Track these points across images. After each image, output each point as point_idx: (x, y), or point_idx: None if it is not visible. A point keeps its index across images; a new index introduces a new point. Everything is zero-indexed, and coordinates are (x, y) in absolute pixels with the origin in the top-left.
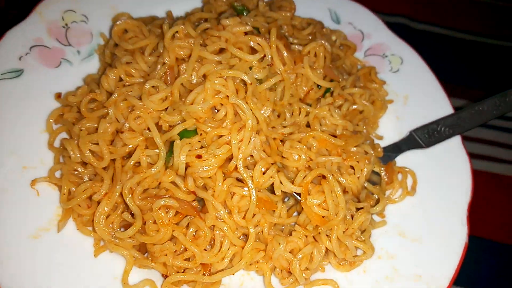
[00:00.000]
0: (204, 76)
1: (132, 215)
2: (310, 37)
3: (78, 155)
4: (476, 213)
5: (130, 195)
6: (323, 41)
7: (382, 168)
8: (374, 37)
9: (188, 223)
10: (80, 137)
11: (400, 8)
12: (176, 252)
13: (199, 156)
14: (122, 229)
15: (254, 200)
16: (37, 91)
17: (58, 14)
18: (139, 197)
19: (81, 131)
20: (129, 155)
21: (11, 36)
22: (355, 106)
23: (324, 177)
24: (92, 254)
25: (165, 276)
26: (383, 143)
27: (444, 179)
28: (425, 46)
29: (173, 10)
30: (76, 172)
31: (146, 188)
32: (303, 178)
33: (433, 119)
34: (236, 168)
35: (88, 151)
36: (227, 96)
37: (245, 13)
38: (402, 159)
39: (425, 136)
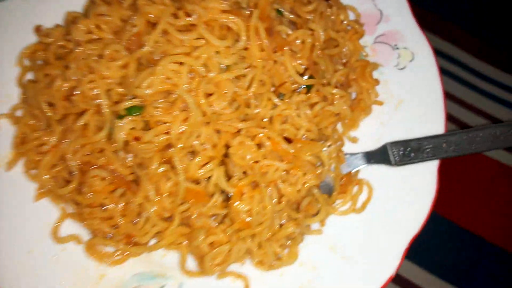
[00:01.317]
0: (164, 54)
1: None
2: (311, 16)
3: (36, 101)
4: None
5: (71, 155)
6: (314, 31)
7: (335, 176)
8: (392, 22)
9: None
10: (36, 90)
11: None
12: (105, 217)
13: (137, 138)
14: None
15: (182, 190)
16: (18, 21)
17: None
18: (81, 158)
19: (36, 84)
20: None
21: None
22: (330, 108)
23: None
24: (33, 198)
25: (93, 235)
26: (357, 147)
27: (399, 205)
28: None
29: None
30: (35, 115)
31: (90, 151)
32: (238, 180)
33: (420, 135)
34: None
35: (43, 101)
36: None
37: None
38: (371, 169)
39: (400, 154)
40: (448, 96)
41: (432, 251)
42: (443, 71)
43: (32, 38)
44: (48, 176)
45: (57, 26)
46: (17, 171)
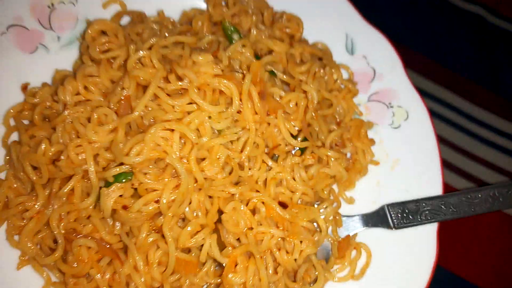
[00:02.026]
0: (155, 120)
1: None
2: (304, 77)
3: (20, 164)
4: None
5: (56, 223)
6: (308, 92)
7: (333, 240)
8: (386, 80)
9: (109, 261)
10: (21, 153)
11: None
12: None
13: (125, 207)
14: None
15: (172, 260)
16: (5, 77)
17: None
18: (66, 225)
19: (22, 147)
20: (70, 177)
21: None
22: (326, 170)
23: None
24: (16, 266)
25: None
26: (354, 208)
27: (399, 269)
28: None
29: (167, 9)
30: (19, 178)
31: (75, 218)
32: (232, 250)
33: (417, 194)
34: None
35: (28, 165)
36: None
37: (234, 37)
38: (369, 232)
39: (398, 216)
40: (450, 144)
41: None
42: (445, 120)
43: (19, 96)
44: (31, 243)
45: (44, 84)
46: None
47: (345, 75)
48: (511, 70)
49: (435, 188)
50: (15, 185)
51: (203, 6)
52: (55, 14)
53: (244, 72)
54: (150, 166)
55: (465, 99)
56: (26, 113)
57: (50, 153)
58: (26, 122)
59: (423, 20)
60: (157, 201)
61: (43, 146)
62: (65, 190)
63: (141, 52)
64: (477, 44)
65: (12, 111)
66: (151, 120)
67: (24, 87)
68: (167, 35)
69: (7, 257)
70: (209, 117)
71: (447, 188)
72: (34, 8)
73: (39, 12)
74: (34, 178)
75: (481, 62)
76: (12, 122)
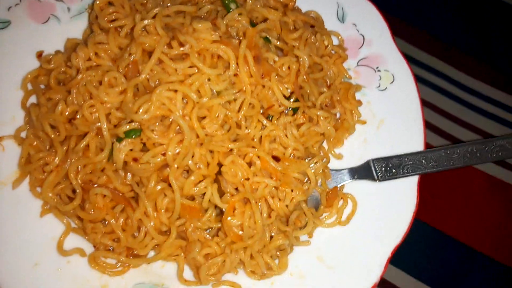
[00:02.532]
0: (159, 81)
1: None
2: (296, 43)
3: (40, 124)
4: None
5: (74, 175)
6: (299, 57)
7: (322, 191)
8: (374, 46)
9: (122, 208)
10: (40, 114)
11: None
12: (106, 232)
13: (135, 159)
14: None
15: (178, 206)
16: (21, 46)
17: None
18: (83, 177)
19: (41, 108)
20: (84, 135)
21: None
22: (316, 128)
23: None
24: (39, 214)
25: (95, 248)
26: (342, 163)
27: (382, 217)
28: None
29: None
30: (38, 137)
31: (91, 171)
32: (230, 196)
33: (400, 151)
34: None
35: (47, 124)
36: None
37: (232, 6)
38: (355, 184)
39: (382, 169)
40: (435, 108)
41: (419, 258)
42: (435, 87)
43: (34, 63)
44: (51, 194)
45: (57, 52)
46: (23, 189)
47: (335, 41)
48: (501, 40)
49: (417, 146)
50: (35, 143)
51: None
52: None
53: (241, 38)
54: (157, 124)
55: (449, 64)
56: (42, 78)
57: (67, 113)
58: (42, 86)
59: None
60: (163, 154)
61: (60, 107)
62: (81, 146)
63: (146, 21)
64: (467, 13)
65: (29, 76)
66: (156, 82)
67: (39, 55)
68: (169, 5)
69: (31, 207)
70: (209, 80)
71: (428, 146)
72: None
73: None
74: (53, 136)
75: (471, 31)
76: (29, 87)
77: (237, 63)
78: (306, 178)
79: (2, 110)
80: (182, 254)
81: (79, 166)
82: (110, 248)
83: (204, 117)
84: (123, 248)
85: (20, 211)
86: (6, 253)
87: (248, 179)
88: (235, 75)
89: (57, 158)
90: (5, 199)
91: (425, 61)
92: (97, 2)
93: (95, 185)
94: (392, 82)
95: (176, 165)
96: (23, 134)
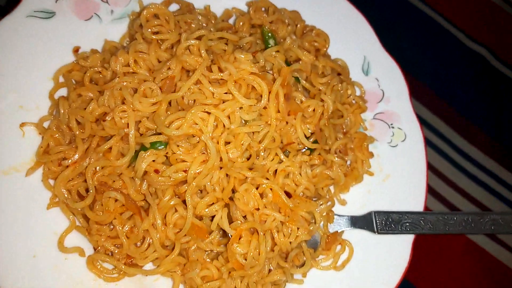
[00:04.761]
0: (195, 101)
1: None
2: (323, 87)
3: (67, 117)
4: None
5: (91, 174)
6: (325, 102)
7: (323, 233)
8: (392, 104)
9: (130, 216)
10: (71, 108)
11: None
12: (111, 236)
13: (157, 171)
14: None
15: (188, 224)
16: (59, 38)
17: None
18: (99, 178)
19: (73, 103)
20: (108, 137)
21: None
22: (328, 172)
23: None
24: (46, 206)
25: (95, 250)
26: (344, 209)
27: (374, 270)
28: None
29: (213, 5)
30: (61, 130)
31: (108, 173)
32: (240, 224)
33: (400, 208)
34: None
35: (74, 120)
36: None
37: (270, 42)
38: (354, 232)
39: (382, 223)
40: (438, 173)
41: None
42: (442, 153)
43: (68, 57)
44: (63, 188)
45: (95, 51)
46: (35, 178)
47: (357, 92)
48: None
49: (417, 206)
50: (56, 135)
51: (242, 6)
52: None
53: (274, 74)
54: (183, 141)
55: (459, 134)
56: (75, 73)
57: (97, 113)
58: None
59: (436, 55)
60: (185, 171)
61: (91, 106)
62: (105, 148)
63: (192, 41)
64: (480, 84)
65: (63, 69)
66: (191, 101)
67: (76, 50)
68: (212, 29)
69: (39, 197)
70: (240, 108)
71: (426, 210)
72: None
73: None
74: (77, 132)
75: (483, 103)
76: (60, 79)
77: (268, 98)
78: (312, 219)
79: (28, 97)
80: (179, 271)
81: (98, 167)
82: (109, 253)
83: (229, 143)
84: (123, 255)
85: (28, 200)
86: (7, 239)
87: (258, 209)
88: (264, 108)
89: (76, 155)
90: (15, 186)
91: (437, 126)
92: (144, 13)
93: (111, 188)
94: (404, 140)
95: (194, 184)
96: (45, 124)
